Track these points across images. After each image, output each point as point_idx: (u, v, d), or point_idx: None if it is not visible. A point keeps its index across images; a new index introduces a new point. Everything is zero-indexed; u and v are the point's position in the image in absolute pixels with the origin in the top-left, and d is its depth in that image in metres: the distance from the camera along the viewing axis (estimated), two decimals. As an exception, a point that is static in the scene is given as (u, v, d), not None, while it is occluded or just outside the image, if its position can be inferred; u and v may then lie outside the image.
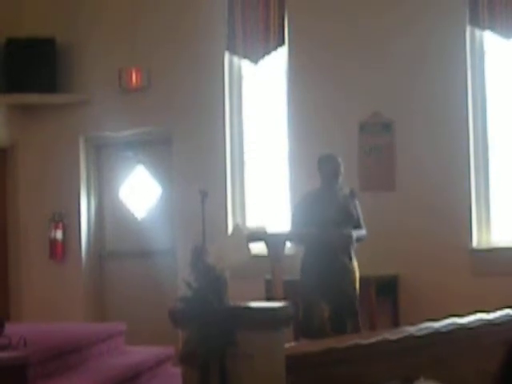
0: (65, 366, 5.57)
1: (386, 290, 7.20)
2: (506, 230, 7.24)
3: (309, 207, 6.38)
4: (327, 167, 6.44)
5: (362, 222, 6.46)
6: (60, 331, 6.42)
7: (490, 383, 2.63)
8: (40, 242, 8.54)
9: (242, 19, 7.92)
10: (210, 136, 8.08)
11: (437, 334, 4.87)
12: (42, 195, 8.62)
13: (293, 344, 5.21)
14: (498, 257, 7.14)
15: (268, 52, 7.89)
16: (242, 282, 5.27)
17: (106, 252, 8.68)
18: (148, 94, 8.33)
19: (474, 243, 7.24)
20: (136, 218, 8.37)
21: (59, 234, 8.52)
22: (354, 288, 6.32)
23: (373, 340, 4.65)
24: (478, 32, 7.31)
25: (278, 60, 7.95)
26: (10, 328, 5.58)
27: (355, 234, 6.32)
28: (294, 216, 6.59)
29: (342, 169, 6.44)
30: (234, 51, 8.00)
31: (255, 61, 7.93)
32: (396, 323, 7.21)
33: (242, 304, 4.26)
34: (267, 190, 8.02)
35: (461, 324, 5.09)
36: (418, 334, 4.84)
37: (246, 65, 8.06)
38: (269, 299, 6.44)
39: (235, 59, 8.08)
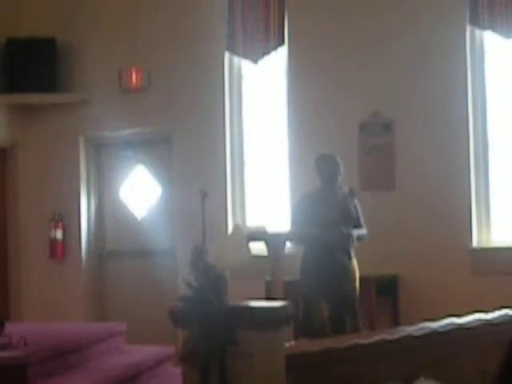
0: (65, 365, 5.57)
1: (385, 289, 7.19)
2: (506, 230, 7.23)
3: (309, 207, 6.37)
4: (325, 167, 6.43)
5: (362, 220, 6.45)
6: (60, 331, 6.42)
7: (490, 383, 2.63)
8: (40, 241, 8.54)
9: (242, 19, 7.92)
10: (209, 136, 8.08)
11: (436, 334, 4.87)
12: (42, 195, 8.62)
13: (293, 343, 5.21)
14: (498, 257, 7.14)
15: (268, 52, 7.89)
16: (242, 282, 5.27)
17: (106, 252, 8.68)
18: (148, 94, 8.33)
19: (474, 243, 7.24)
20: (136, 218, 8.38)
21: (59, 234, 8.52)
22: (354, 288, 6.31)
23: (373, 340, 4.64)
24: (478, 32, 7.30)
25: (278, 60, 7.95)
26: (10, 328, 5.57)
27: (355, 232, 6.31)
28: (293, 216, 6.59)
29: (342, 168, 6.43)
30: (233, 51, 8.00)
31: (255, 61, 7.93)
32: (396, 323, 7.20)
33: (242, 303, 4.25)
34: (267, 190, 8.02)
35: (459, 324, 5.08)
36: (418, 333, 4.84)
37: (245, 65, 8.06)
38: (269, 299, 6.43)
39: (235, 59, 8.08)
